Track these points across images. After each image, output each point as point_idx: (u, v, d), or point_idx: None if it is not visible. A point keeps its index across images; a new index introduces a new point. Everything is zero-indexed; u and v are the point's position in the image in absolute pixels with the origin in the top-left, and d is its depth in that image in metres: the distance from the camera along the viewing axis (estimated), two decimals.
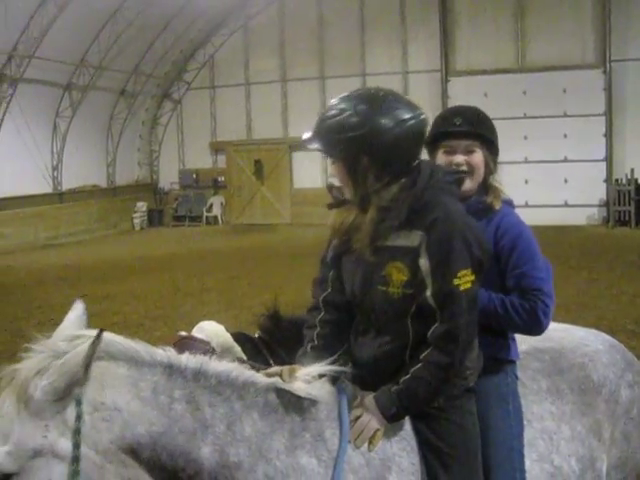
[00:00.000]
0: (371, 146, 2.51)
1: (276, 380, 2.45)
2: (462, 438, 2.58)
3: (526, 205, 22.04)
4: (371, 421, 2.48)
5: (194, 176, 27.94)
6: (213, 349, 3.43)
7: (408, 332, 2.55)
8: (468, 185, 2.91)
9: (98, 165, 25.97)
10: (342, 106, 2.57)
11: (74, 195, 24.64)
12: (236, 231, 24.50)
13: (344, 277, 2.72)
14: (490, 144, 2.99)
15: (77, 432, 2.11)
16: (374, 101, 2.56)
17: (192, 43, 26.81)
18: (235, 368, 2.43)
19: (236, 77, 26.89)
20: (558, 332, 3.23)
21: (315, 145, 2.64)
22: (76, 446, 2.10)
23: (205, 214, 27.50)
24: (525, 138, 22.65)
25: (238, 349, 3.68)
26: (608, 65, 22.27)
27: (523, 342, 3.05)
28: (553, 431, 2.86)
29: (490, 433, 2.70)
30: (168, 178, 28.57)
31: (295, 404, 2.44)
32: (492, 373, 2.81)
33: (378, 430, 2.48)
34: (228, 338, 3.71)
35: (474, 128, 2.95)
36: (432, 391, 2.51)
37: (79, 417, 2.13)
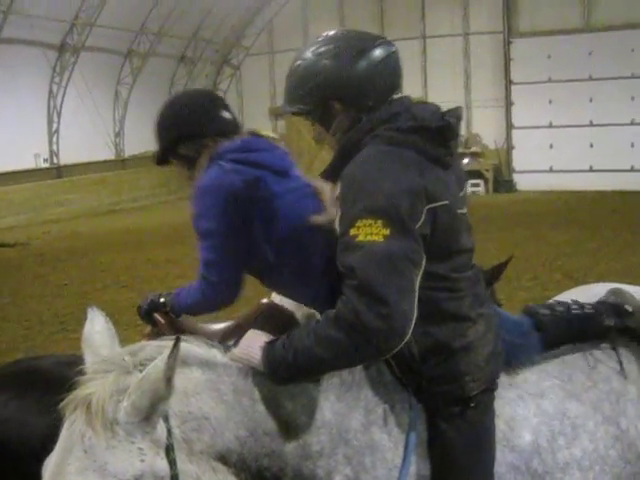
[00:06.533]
0: (336, 88, 2.36)
1: None
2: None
3: (590, 169, 21.55)
4: (253, 358, 2.22)
5: None
6: (297, 322, 3.25)
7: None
8: None
9: None
10: (297, 60, 2.46)
11: (136, 161, 24.99)
12: None
13: None
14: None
15: (171, 449, 1.99)
16: (332, 42, 2.42)
17: (251, 8, 26.73)
18: None
19: (295, 42, 26.63)
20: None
21: (290, 110, 2.48)
22: (173, 463, 1.98)
23: None
24: (590, 100, 22.02)
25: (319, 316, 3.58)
26: None
27: (589, 300, 2.92)
28: (620, 392, 2.74)
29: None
30: None
31: (367, 378, 2.37)
32: None
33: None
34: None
35: None
36: (321, 346, 2.13)
37: (170, 432, 2.00)
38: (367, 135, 2.33)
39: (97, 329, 2.20)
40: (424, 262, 2.20)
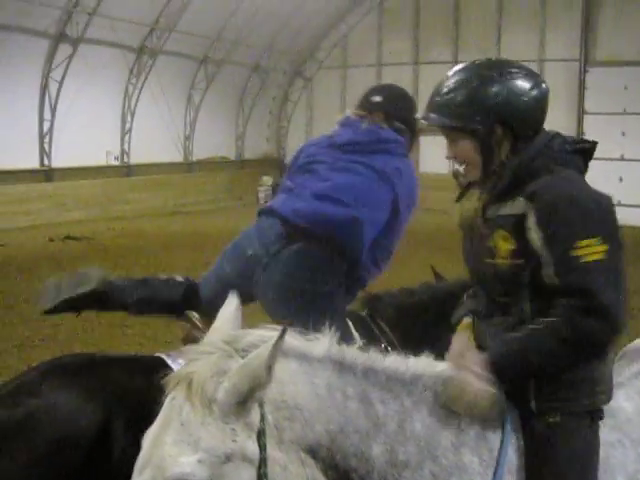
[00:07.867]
0: (506, 115, 2.42)
1: (443, 372, 2.32)
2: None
3: None
4: (470, 376, 2.26)
5: None
6: None
7: (526, 312, 2.38)
8: None
9: (228, 138, 26.64)
10: (464, 77, 2.48)
11: (203, 165, 25.40)
12: None
13: (465, 259, 2.62)
14: None
15: (263, 433, 2.04)
16: (500, 68, 2.48)
17: (326, 22, 26.96)
18: (400, 362, 2.34)
19: (368, 58, 26.85)
20: None
21: (439, 121, 2.50)
22: (263, 448, 2.03)
23: None
24: None
25: (350, 326, 3.72)
26: None
27: None
28: None
29: None
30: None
31: None
32: None
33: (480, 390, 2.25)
34: None
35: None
36: (541, 359, 2.26)
37: (263, 418, 2.06)
38: (533, 160, 2.44)
39: (225, 314, 2.31)
40: None
